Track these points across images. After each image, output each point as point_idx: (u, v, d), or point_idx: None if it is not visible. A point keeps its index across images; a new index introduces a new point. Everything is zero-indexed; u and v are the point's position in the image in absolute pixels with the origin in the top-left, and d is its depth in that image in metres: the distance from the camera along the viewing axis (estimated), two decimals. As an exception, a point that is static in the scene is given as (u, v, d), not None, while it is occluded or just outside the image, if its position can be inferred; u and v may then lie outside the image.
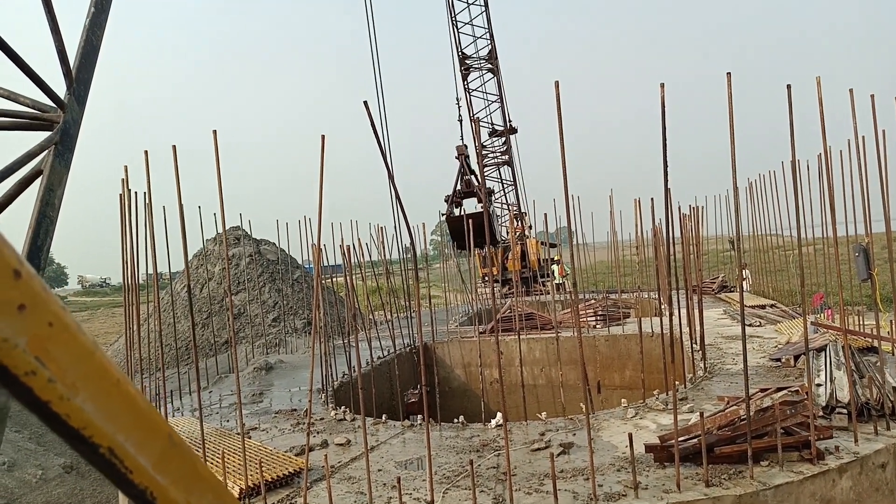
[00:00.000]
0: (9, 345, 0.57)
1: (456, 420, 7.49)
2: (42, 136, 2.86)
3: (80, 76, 3.11)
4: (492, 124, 26.84)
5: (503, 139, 26.66)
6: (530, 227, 25.13)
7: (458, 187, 13.21)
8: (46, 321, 0.61)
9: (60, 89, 3.02)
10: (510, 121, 27.27)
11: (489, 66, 25.66)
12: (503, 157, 26.78)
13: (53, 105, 2.93)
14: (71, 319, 0.65)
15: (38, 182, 2.88)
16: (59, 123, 2.87)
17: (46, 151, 2.84)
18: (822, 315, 10.95)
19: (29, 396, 0.60)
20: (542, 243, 25.39)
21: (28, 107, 2.94)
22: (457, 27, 25.10)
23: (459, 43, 25.38)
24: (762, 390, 5.55)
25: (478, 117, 25.65)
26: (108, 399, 0.68)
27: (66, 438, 0.65)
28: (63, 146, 2.87)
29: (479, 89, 26.14)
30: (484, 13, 25.26)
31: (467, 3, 25.07)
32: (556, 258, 25.13)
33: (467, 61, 25.49)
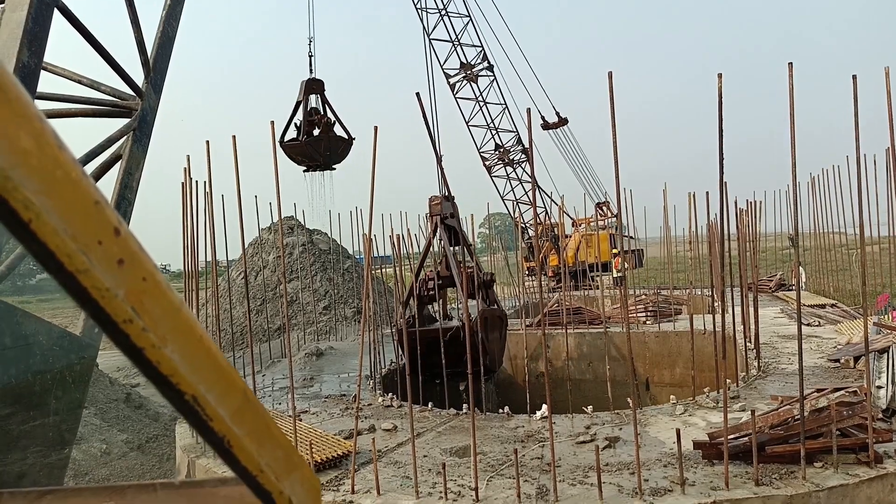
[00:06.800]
0: (111, 294, 0.64)
1: (501, 411, 7.52)
2: (121, 122, 3.04)
3: (156, 65, 3.29)
4: (542, 118, 26.65)
5: (516, 138, 26.48)
6: (616, 216, 24.57)
7: (303, 118, 15.18)
8: (141, 276, 0.68)
9: (138, 79, 3.20)
10: (557, 112, 27.01)
11: (464, 75, 25.41)
12: (520, 155, 26.62)
13: (132, 93, 3.11)
14: (161, 277, 0.71)
15: (117, 166, 3.06)
16: (137, 110, 3.04)
17: (125, 137, 3.02)
18: (886, 316, 10.50)
19: (126, 342, 0.67)
20: (614, 235, 24.97)
21: (109, 95, 3.12)
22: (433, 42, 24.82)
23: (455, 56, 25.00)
24: (818, 390, 5.40)
25: (470, 124, 25.55)
26: (193, 352, 0.74)
27: (157, 384, 0.72)
28: (141, 132, 3.04)
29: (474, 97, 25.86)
30: (456, 26, 24.92)
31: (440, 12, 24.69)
32: (614, 251, 24.59)
33: (465, 71, 25.39)
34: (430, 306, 10.58)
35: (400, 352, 10.62)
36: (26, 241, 0.58)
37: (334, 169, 16.04)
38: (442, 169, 7.95)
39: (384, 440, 6.48)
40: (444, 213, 9.93)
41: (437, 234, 9.90)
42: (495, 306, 10.69)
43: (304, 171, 15.90)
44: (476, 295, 10.08)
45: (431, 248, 10.23)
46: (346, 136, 15.89)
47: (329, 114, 15.45)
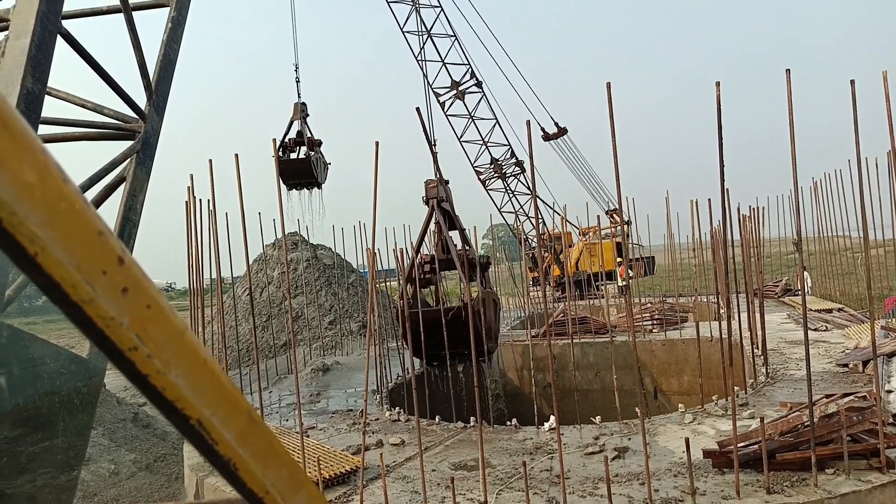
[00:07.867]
0: (115, 323, 0.65)
1: (509, 423, 7.49)
2: (125, 145, 3.08)
3: (158, 88, 3.33)
4: (542, 128, 26.76)
5: (509, 151, 26.73)
6: (629, 222, 24.39)
7: (292, 136, 16.34)
8: (145, 304, 0.69)
9: (140, 101, 3.25)
10: (556, 123, 27.10)
11: (453, 92, 25.62)
12: (514, 167, 26.81)
13: (135, 116, 3.14)
14: (165, 303, 0.72)
15: (121, 189, 3.10)
16: (140, 133, 3.08)
17: (129, 159, 3.05)
18: (893, 320, 10.44)
19: (132, 369, 0.68)
20: (621, 244, 24.89)
21: (112, 118, 3.16)
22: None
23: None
24: (827, 396, 5.36)
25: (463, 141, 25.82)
26: (198, 376, 0.75)
27: (163, 410, 0.73)
28: (144, 154, 3.07)
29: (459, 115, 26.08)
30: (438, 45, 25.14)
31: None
32: (618, 259, 24.49)
33: (453, 90, 25.63)
34: (424, 290, 10.65)
35: (402, 332, 10.64)
36: (31, 272, 0.59)
37: (321, 188, 17.06)
38: (435, 154, 8.24)
39: (392, 455, 6.46)
40: (440, 196, 10.01)
41: (434, 217, 10.00)
42: (489, 289, 10.80)
43: (288, 189, 16.83)
44: (474, 277, 10.18)
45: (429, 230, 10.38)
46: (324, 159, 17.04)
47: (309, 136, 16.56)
